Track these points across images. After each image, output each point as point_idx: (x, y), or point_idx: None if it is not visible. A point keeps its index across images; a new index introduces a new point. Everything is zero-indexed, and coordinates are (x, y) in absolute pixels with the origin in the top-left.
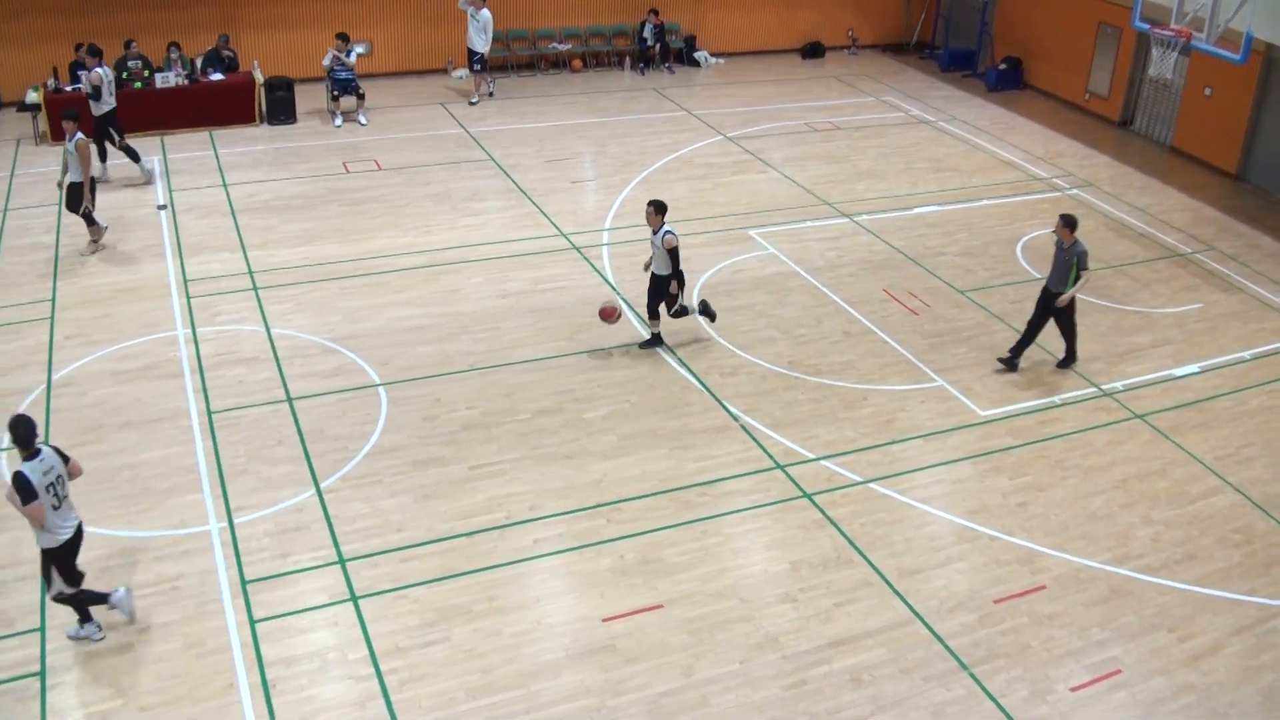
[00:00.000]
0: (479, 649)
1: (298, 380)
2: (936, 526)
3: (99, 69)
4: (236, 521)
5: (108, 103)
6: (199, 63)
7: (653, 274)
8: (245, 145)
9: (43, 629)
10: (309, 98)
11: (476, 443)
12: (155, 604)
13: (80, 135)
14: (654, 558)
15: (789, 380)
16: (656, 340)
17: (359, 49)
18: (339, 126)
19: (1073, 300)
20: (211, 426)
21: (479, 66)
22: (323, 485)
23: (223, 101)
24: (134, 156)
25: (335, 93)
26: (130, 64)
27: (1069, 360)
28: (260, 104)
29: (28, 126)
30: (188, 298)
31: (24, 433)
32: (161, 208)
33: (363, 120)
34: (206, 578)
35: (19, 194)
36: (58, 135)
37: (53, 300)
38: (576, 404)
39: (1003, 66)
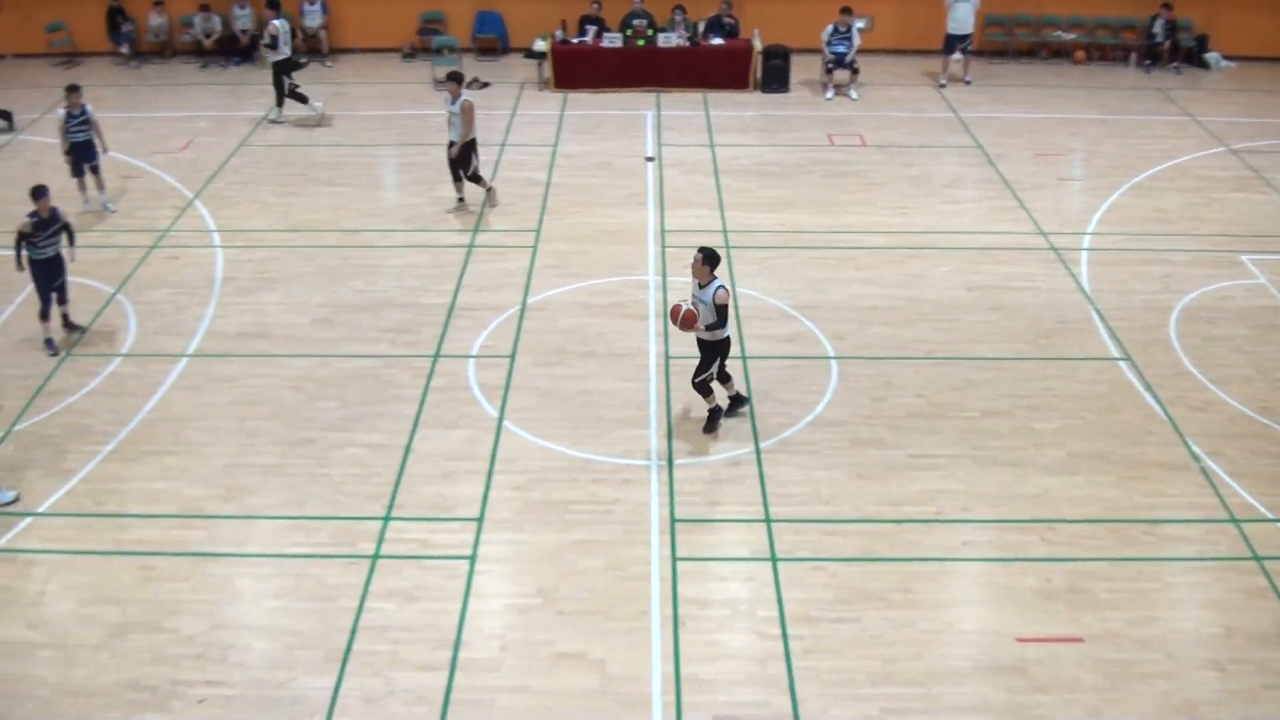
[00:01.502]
0: (887, 637)
1: (754, 340)
2: None
3: (276, 21)
4: (676, 463)
5: (283, 52)
6: (701, 26)
7: (698, 339)
8: (736, 109)
9: (481, 520)
10: (803, 68)
11: (919, 432)
12: (587, 521)
13: (466, 97)
14: (1082, 588)
15: (1259, 427)
16: (725, 411)
17: (859, 24)
18: (829, 99)
19: None
20: (667, 370)
21: (969, 46)
22: (762, 445)
23: (720, 65)
24: (303, 100)
25: (830, 65)
26: (635, 22)
27: None
28: (756, 71)
29: (533, 72)
30: (663, 247)
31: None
32: (649, 160)
33: (854, 95)
34: (639, 509)
35: (516, 132)
36: (560, 84)
37: (537, 231)
38: (1028, 411)
39: None
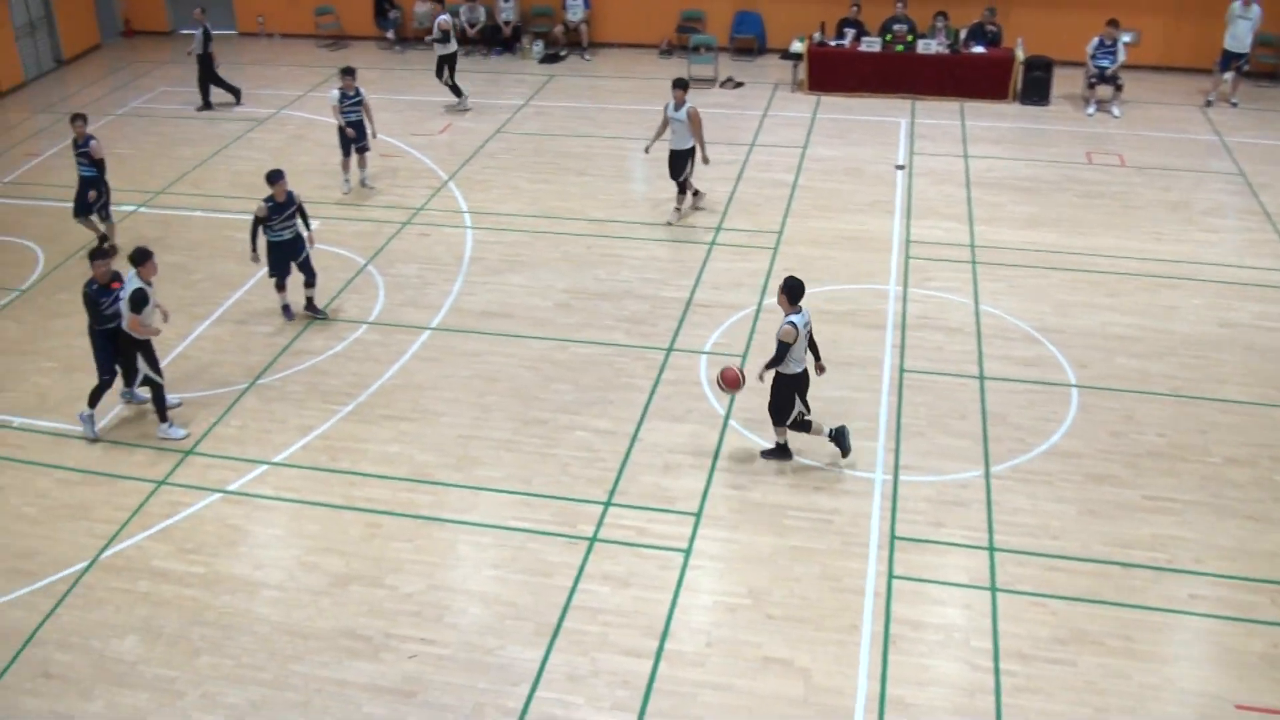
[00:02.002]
0: (1101, 685)
1: (994, 360)
2: None
3: (443, 16)
4: (901, 479)
5: (451, 47)
6: (963, 34)
7: (777, 373)
8: (992, 120)
9: (699, 515)
10: (1066, 82)
11: (1157, 473)
12: (805, 528)
13: (691, 104)
14: None
15: None
16: (782, 452)
17: (1126, 38)
18: (1090, 115)
19: None
20: (900, 383)
21: (1245, 66)
22: (993, 469)
23: (979, 74)
24: (458, 93)
25: (1093, 79)
26: (895, 27)
27: None
28: (1016, 82)
29: (787, 73)
30: (907, 257)
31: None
32: (900, 168)
33: (1116, 112)
34: (859, 521)
35: (767, 132)
36: (814, 86)
37: (779, 233)
38: (1272, 462)
39: None
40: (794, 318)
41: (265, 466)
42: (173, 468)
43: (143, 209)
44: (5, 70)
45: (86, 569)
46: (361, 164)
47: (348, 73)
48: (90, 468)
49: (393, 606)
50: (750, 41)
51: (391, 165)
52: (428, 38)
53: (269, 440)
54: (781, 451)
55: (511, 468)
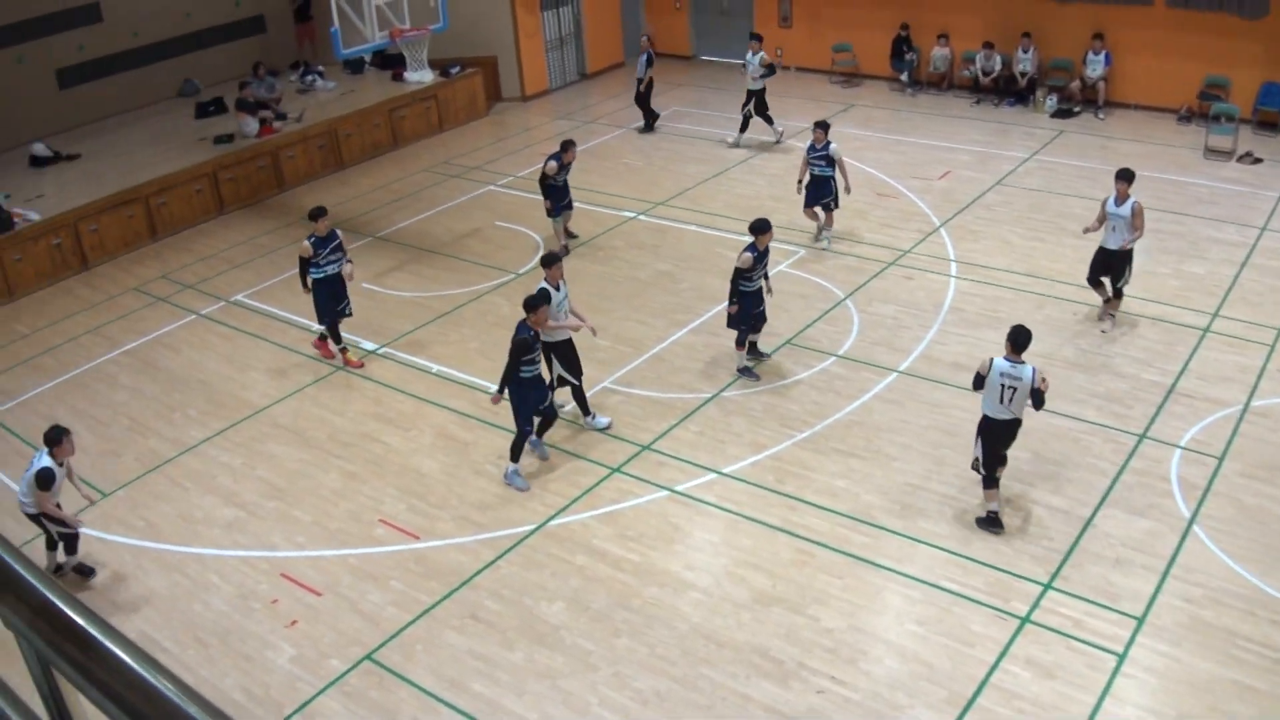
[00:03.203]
0: None
1: None
2: None
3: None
4: None
5: (761, 85)
6: None
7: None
8: None
9: (1141, 620)
10: None
11: None
12: (1253, 663)
13: (1136, 198)
14: None
15: None
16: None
17: None
18: None
19: None
20: None
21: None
22: None
23: None
24: (769, 120)
25: None
26: None
27: None
28: None
29: None
30: None
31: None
32: None
33: None
34: None
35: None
36: None
37: None
38: None
39: None
40: (998, 358)
41: (713, 475)
42: (628, 458)
43: (642, 216)
44: (534, 78)
45: (532, 532)
46: (828, 222)
47: (821, 126)
48: (555, 443)
49: (810, 637)
50: (1276, 115)
51: (884, 204)
52: (755, 74)
53: (722, 450)
54: (992, 522)
55: (954, 526)
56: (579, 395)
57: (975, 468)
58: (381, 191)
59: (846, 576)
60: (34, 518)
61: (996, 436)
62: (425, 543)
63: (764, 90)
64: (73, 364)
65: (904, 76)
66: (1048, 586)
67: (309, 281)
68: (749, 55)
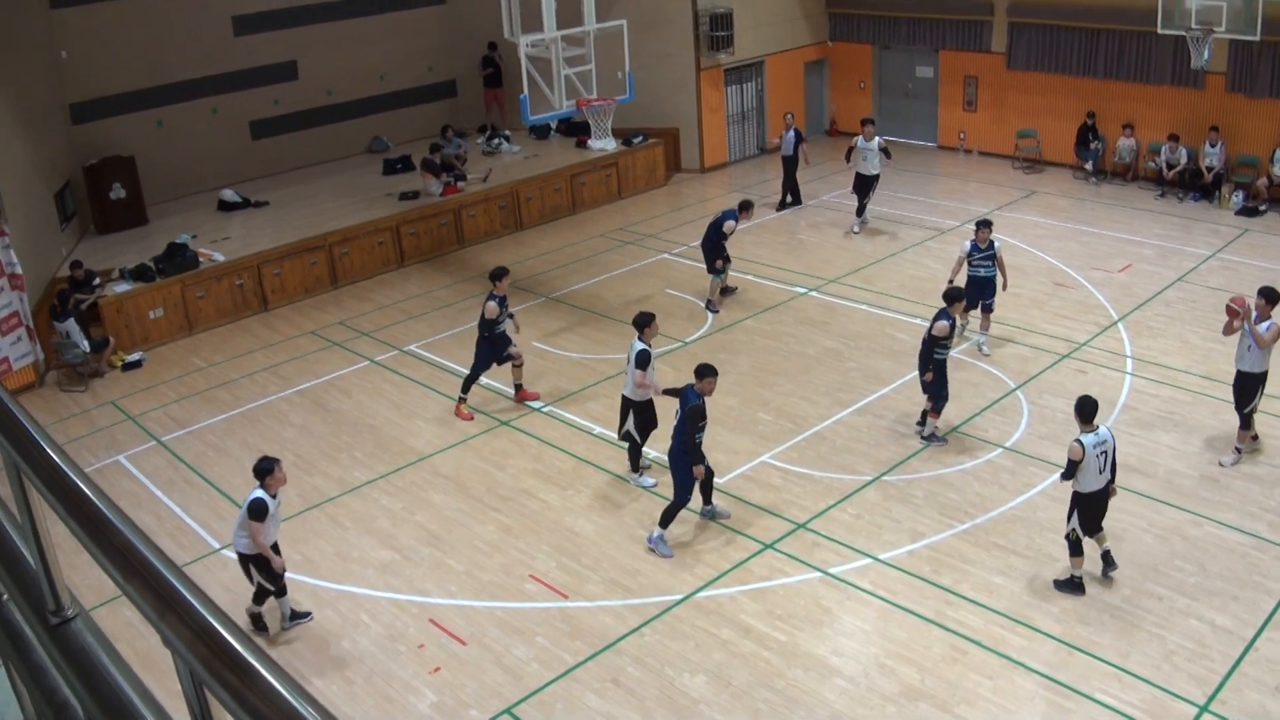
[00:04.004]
0: None
1: None
2: None
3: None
4: None
5: (878, 170)
6: None
7: None
8: None
9: None
10: None
11: None
12: None
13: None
14: None
15: None
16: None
17: None
18: None
19: None
20: None
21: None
22: None
23: None
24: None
25: None
26: None
27: None
28: None
29: None
30: None
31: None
32: None
33: None
34: None
35: None
36: None
37: None
38: None
39: None
40: (1083, 437)
41: (869, 560)
42: (783, 535)
43: (813, 293)
44: (714, 150)
45: (680, 601)
46: (985, 324)
47: (984, 225)
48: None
49: None
50: None
51: (1061, 295)
52: (872, 158)
53: (879, 536)
54: (1073, 583)
55: (1114, 635)
56: (636, 453)
57: (1069, 538)
58: (557, 254)
59: (998, 678)
60: (243, 561)
61: (1098, 507)
62: (573, 602)
63: (877, 178)
64: (246, 399)
65: (1088, 165)
66: (1204, 709)
67: (483, 338)
68: (860, 140)
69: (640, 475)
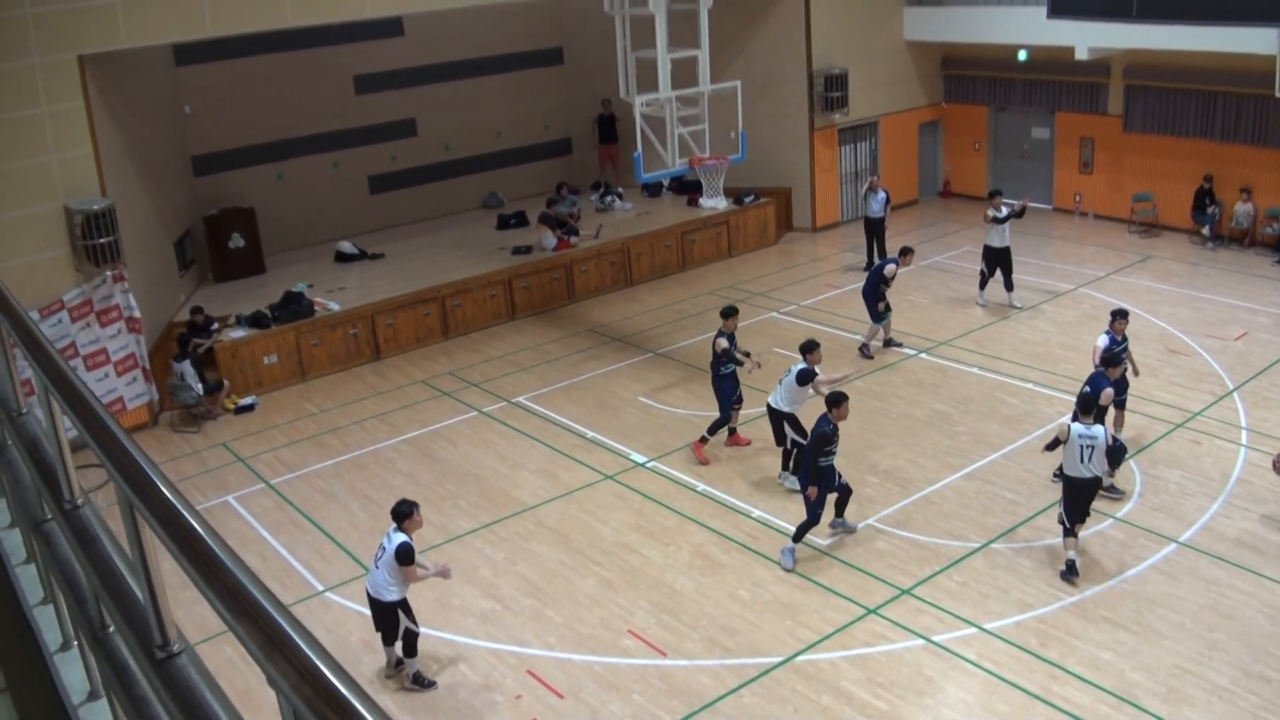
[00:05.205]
0: None
1: None
2: None
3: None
4: None
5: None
6: None
7: None
8: None
9: None
10: None
11: None
12: None
13: None
14: None
15: None
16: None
17: None
18: None
19: None
20: None
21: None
22: None
23: None
24: (984, 285)
25: None
26: None
27: None
28: None
29: None
30: None
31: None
32: None
33: None
34: None
35: None
36: None
37: None
38: None
39: None
40: (1075, 424)
41: (974, 629)
42: (886, 600)
43: (923, 355)
44: (826, 210)
45: (779, 664)
46: (1119, 422)
47: (1121, 316)
48: (811, 575)
49: None
50: None
51: (1175, 361)
52: (993, 215)
53: (985, 605)
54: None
55: (1220, 718)
56: (789, 456)
57: (1060, 521)
58: (666, 310)
59: None
60: (378, 610)
61: (1080, 494)
62: (671, 660)
63: (1009, 250)
64: (355, 445)
65: (1205, 230)
66: None
67: (722, 373)
68: (991, 211)
69: (791, 475)
